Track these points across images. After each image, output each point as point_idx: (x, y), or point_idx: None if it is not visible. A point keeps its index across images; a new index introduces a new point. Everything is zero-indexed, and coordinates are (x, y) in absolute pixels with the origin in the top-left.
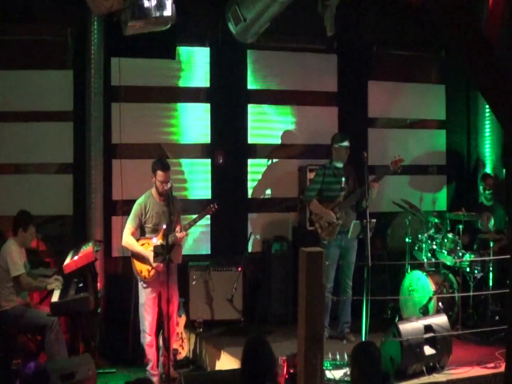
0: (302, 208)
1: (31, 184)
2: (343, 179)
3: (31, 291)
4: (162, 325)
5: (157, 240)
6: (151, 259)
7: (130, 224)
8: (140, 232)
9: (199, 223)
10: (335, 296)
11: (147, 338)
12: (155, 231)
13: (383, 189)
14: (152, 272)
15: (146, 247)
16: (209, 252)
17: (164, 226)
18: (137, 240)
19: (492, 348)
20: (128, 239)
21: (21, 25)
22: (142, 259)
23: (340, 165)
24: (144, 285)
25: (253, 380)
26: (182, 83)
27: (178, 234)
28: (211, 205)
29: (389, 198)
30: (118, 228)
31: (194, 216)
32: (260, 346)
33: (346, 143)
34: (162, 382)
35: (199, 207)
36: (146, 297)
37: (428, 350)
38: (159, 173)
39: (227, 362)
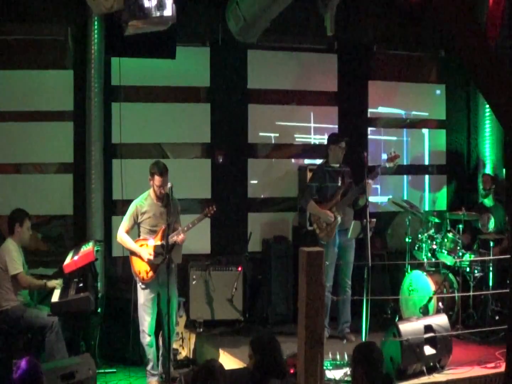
0: (302, 208)
1: (31, 184)
2: (340, 178)
3: (30, 289)
4: (161, 325)
5: (154, 242)
6: (144, 255)
7: (124, 223)
8: (137, 232)
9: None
10: (335, 295)
11: (147, 338)
12: (152, 232)
13: (384, 189)
14: (150, 274)
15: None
16: (209, 252)
17: (163, 227)
18: (135, 241)
19: (492, 348)
20: (122, 236)
21: (21, 25)
22: (140, 260)
23: (336, 165)
24: (143, 286)
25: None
26: (182, 83)
27: (176, 237)
28: (209, 208)
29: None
30: (118, 228)
31: (194, 216)
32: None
33: (342, 144)
34: (162, 382)
35: (199, 206)
36: (145, 298)
37: (428, 350)
38: (156, 178)
39: (227, 362)
